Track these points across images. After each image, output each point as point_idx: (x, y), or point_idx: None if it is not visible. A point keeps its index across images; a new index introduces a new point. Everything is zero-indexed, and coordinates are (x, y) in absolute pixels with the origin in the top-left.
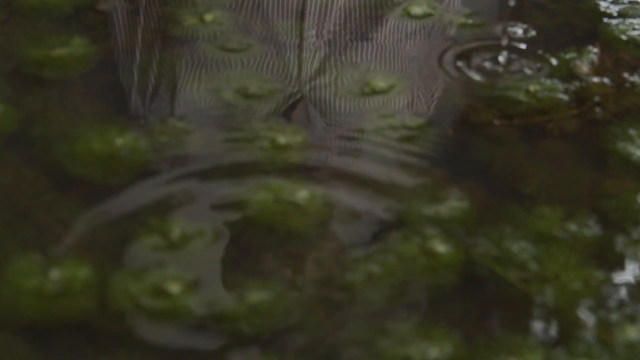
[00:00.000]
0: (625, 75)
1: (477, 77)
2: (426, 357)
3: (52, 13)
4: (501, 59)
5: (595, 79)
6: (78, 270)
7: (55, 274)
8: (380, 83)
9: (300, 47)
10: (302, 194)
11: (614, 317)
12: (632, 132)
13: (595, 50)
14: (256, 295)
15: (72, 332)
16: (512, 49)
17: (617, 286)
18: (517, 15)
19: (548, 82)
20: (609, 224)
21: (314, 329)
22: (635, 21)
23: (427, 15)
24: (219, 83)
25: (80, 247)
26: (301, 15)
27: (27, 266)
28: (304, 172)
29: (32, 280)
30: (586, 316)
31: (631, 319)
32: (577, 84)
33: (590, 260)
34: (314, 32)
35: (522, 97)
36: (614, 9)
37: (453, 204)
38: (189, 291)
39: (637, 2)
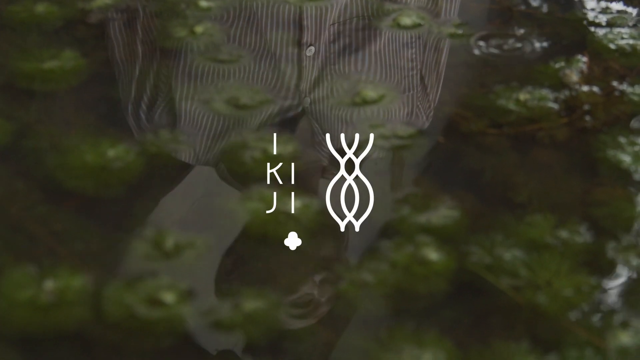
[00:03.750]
0: (614, 83)
1: None
2: None
3: (42, 26)
4: None
5: (585, 88)
6: (72, 281)
7: (49, 285)
8: (370, 93)
9: (291, 58)
10: (294, 203)
11: (606, 323)
12: (621, 140)
13: (584, 59)
14: (251, 304)
15: (66, 343)
16: None
17: (608, 292)
18: (506, 25)
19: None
20: (599, 231)
21: (308, 337)
22: (623, 30)
23: (416, 26)
24: (210, 94)
25: (73, 258)
26: (297, 26)
27: (21, 278)
28: (296, 181)
29: (26, 291)
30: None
31: (623, 325)
32: (566, 92)
33: (582, 267)
34: (305, 43)
35: (512, 106)
36: (602, 19)
37: (445, 212)
38: (184, 300)
39: (625, 12)
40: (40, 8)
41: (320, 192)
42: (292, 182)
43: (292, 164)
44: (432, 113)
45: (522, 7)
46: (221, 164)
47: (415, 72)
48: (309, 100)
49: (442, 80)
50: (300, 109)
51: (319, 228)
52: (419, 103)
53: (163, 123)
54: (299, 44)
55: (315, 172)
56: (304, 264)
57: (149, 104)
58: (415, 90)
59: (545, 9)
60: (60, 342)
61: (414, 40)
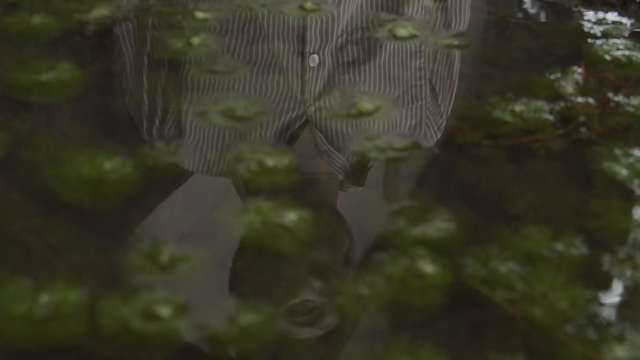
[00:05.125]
0: (610, 95)
1: None
2: None
3: (39, 38)
4: None
5: (580, 99)
6: (67, 294)
7: (44, 298)
8: (366, 104)
9: (295, 68)
10: (290, 216)
11: (602, 336)
12: (617, 151)
13: (579, 70)
14: (246, 318)
15: (62, 356)
16: None
17: (604, 305)
18: (501, 36)
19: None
20: (595, 243)
21: (304, 350)
22: (618, 41)
23: (412, 37)
24: (206, 106)
25: (69, 271)
26: (301, 38)
27: (17, 291)
28: (292, 194)
29: (21, 305)
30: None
31: (619, 338)
32: (562, 104)
33: (577, 279)
34: (308, 53)
35: (508, 117)
36: (598, 30)
37: (440, 225)
38: (179, 314)
39: (620, 23)
40: (37, 19)
41: (337, 207)
42: (301, 195)
43: (292, 174)
44: (444, 124)
45: (518, 18)
46: (237, 177)
47: (423, 81)
48: (313, 108)
49: (454, 91)
50: (304, 118)
51: (314, 241)
52: (429, 114)
53: (158, 134)
54: (302, 55)
55: (327, 184)
56: (301, 277)
57: (144, 116)
58: (424, 101)
59: (540, 19)
60: (56, 355)
61: (422, 49)
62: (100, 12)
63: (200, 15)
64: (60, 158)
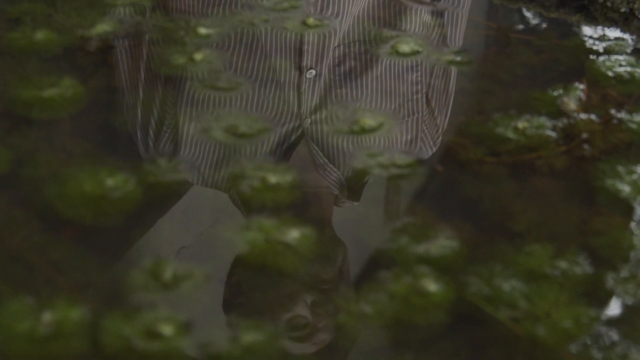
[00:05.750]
0: (613, 111)
1: None
2: None
3: (41, 54)
4: None
5: (583, 116)
6: (70, 312)
7: (47, 316)
8: (369, 121)
9: (293, 82)
10: (292, 233)
11: (605, 355)
12: (620, 168)
13: (582, 86)
14: (249, 336)
15: None
16: None
17: (608, 324)
18: (503, 52)
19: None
20: (598, 261)
21: None
22: (621, 57)
23: (415, 53)
24: (209, 122)
25: (72, 288)
26: (298, 51)
27: (19, 309)
28: (295, 211)
29: (23, 323)
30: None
31: (622, 357)
32: (564, 120)
33: (581, 298)
34: (305, 66)
35: (510, 134)
36: (600, 46)
37: (443, 242)
38: (182, 332)
39: (623, 39)
40: (39, 35)
41: (333, 222)
42: (301, 211)
43: (294, 192)
44: (440, 139)
45: (519, 34)
46: (232, 190)
47: (420, 95)
48: (309, 121)
49: (450, 105)
50: (300, 131)
51: (316, 258)
52: (424, 127)
53: (161, 151)
54: (300, 69)
55: (326, 199)
56: (302, 294)
57: (147, 132)
58: (420, 115)
59: (542, 35)
60: None
61: (418, 63)
62: (102, 27)
63: (202, 31)
64: (62, 175)
